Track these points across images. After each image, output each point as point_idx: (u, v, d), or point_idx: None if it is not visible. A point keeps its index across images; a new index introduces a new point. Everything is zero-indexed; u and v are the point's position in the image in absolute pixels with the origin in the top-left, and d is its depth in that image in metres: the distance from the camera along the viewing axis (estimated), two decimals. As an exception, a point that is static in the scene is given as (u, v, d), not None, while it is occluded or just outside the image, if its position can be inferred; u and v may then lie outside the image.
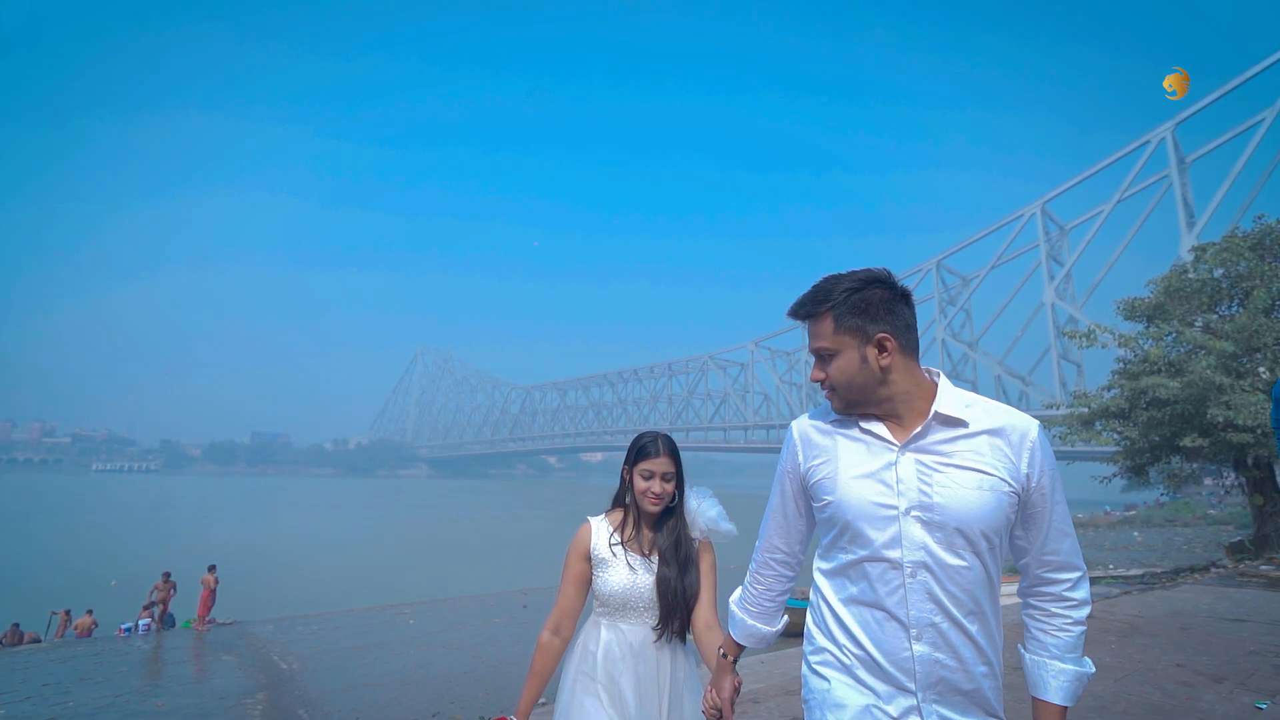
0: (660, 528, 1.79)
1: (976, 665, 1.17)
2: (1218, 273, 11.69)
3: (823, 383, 1.27)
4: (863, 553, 1.20)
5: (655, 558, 1.76)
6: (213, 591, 12.98)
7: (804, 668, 1.32)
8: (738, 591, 1.49)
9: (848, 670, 1.22)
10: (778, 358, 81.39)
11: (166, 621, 12.91)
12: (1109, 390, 12.02)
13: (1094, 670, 1.21)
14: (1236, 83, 45.84)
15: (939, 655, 1.16)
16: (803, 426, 1.34)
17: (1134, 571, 14.89)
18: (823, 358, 1.27)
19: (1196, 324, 11.80)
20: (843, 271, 1.28)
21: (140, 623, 12.67)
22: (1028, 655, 1.24)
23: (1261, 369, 10.30)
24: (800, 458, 1.32)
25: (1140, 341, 11.68)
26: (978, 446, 1.18)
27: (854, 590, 1.22)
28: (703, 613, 1.73)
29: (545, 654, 1.76)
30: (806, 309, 1.27)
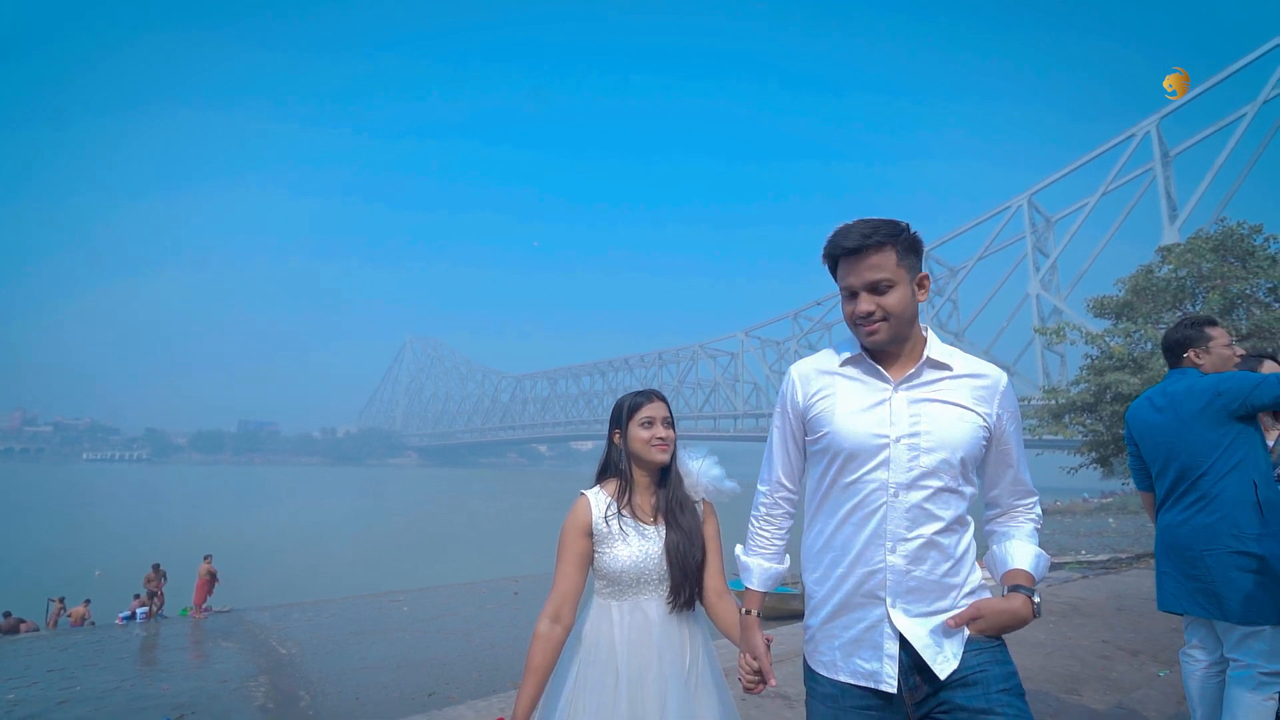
0: (660, 490, 1.68)
1: (946, 577, 1.31)
2: (1182, 273, 12.19)
3: (871, 316, 1.33)
4: (852, 476, 1.33)
5: (660, 524, 1.64)
6: (209, 580, 13.26)
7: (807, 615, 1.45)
8: (739, 547, 1.54)
9: (825, 588, 1.36)
10: (767, 347, 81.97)
11: (140, 616, 13.07)
12: (1076, 385, 12.54)
13: (1049, 561, 1.42)
14: (1221, 77, 46.42)
15: (911, 567, 1.30)
16: (801, 369, 1.46)
17: (1101, 557, 15.49)
18: (878, 290, 1.32)
19: (1164, 322, 12.31)
20: (872, 217, 1.36)
21: (138, 611, 12.95)
22: (996, 547, 1.41)
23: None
24: (799, 396, 1.42)
25: (1107, 338, 12.19)
26: (959, 387, 1.35)
27: (841, 513, 1.34)
28: (713, 581, 1.64)
29: (545, 645, 1.56)
30: (879, 236, 1.32)
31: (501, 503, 51.22)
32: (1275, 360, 2.38)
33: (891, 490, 1.31)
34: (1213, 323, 2.25)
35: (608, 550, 1.60)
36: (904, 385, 1.35)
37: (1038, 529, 1.41)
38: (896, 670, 1.28)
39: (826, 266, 1.42)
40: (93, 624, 12.96)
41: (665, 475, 1.69)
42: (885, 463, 1.31)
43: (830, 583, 1.36)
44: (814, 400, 1.40)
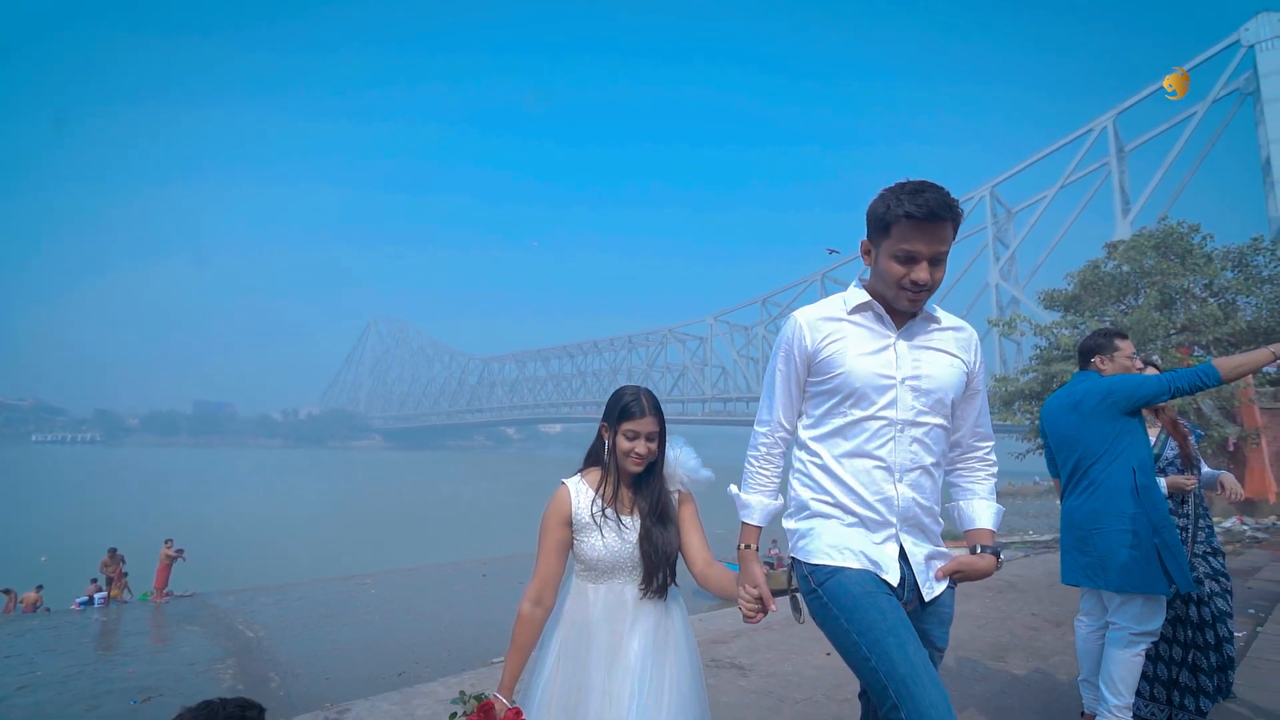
0: (640, 485, 1.73)
1: (935, 504, 1.50)
2: (1125, 268, 12.84)
3: (924, 285, 1.42)
4: (862, 413, 1.47)
5: (637, 516, 1.71)
6: (170, 564, 13.05)
7: (790, 523, 1.57)
8: (733, 486, 1.64)
9: (835, 509, 1.49)
10: (736, 332, 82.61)
11: (98, 601, 12.76)
12: (1026, 374, 13.16)
13: (1003, 512, 1.60)
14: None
15: (914, 494, 1.47)
16: (807, 315, 1.55)
17: (1045, 537, 16.32)
18: (936, 262, 1.42)
19: (1108, 315, 12.95)
20: (923, 180, 1.42)
21: (96, 596, 12.70)
22: (960, 502, 1.59)
23: (1155, 357, 11.49)
24: (808, 341, 1.52)
25: (1055, 330, 12.81)
26: (946, 337, 1.53)
27: (849, 446, 1.48)
28: (700, 553, 1.72)
29: (527, 626, 1.67)
30: (957, 210, 1.41)
31: (468, 485, 51.00)
32: (1155, 366, 2.72)
33: (898, 426, 1.46)
34: (1123, 336, 2.57)
35: (585, 539, 1.69)
36: (903, 334, 1.51)
37: (993, 476, 1.61)
38: (897, 573, 1.44)
39: (877, 223, 1.45)
40: (47, 610, 12.66)
41: (648, 470, 1.74)
42: (893, 402, 1.46)
43: (838, 506, 1.48)
44: (824, 344, 1.50)
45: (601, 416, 1.76)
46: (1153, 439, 2.66)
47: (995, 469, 1.61)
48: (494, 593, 11.57)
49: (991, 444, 1.62)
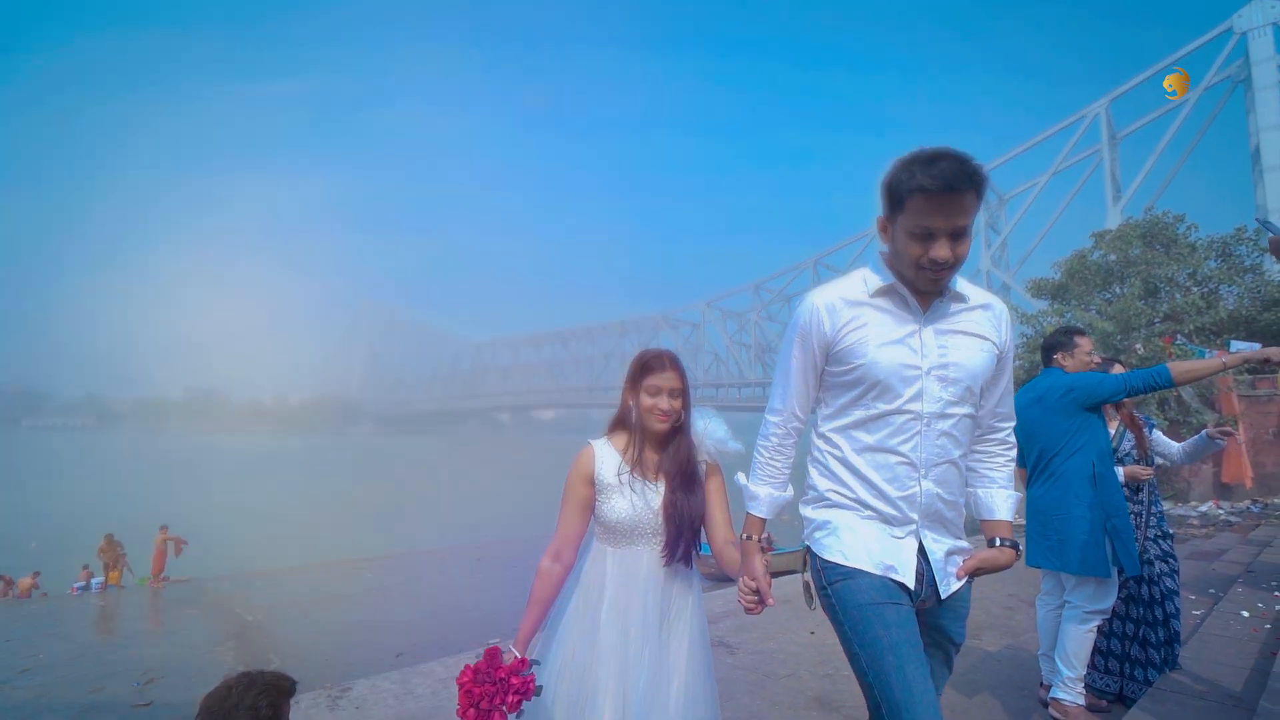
0: (666, 449, 1.71)
1: (958, 497, 1.43)
2: (1111, 258, 13.05)
3: (946, 263, 1.29)
4: (886, 406, 1.37)
5: (662, 481, 1.69)
6: (165, 550, 13.16)
7: (807, 510, 1.49)
8: (741, 475, 1.57)
9: (855, 504, 1.41)
10: (729, 318, 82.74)
11: (95, 586, 12.84)
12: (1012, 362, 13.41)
13: (1020, 498, 1.54)
14: (1167, 62, 47.90)
15: (939, 490, 1.38)
16: (827, 298, 1.42)
17: (1029, 521, 16.75)
18: (958, 236, 1.28)
19: (1094, 304, 13.18)
20: (939, 148, 1.28)
21: (93, 581, 12.81)
22: (979, 489, 1.50)
23: (1138, 345, 11.73)
24: (828, 326, 1.40)
25: (1041, 319, 13.04)
26: (975, 317, 1.41)
27: (871, 440, 1.39)
28: (720, 530, 1.69)
29: (545, 581, 1.67)
30: (979, 178, 1.25)
31: (462, 471, 51.17)
32: (1120, 363, 2.88)
33: (925, 420, 1.37)
34: (1082, 333, 2.74)
35: (607, 501, 1.67)
36: (930, 317, 1.39)
37: (1012, 461, 1.54)
38: (914, 572, 1.38)
39: (891, 197, 1.33)
40: (44, 595, 12.77)
41: (673, 435, 1.71)
42: (919, 394, 1.36)
43: (858, 501, 1.41)
44: (845, 332, 1.39)
45: (626, 379, 1.75)
46: (1112, 432, 2.84)
47: (1014, 451, 1.54)
48: (490, 576, 11.75)
49: (1012, 424, 1.53)
